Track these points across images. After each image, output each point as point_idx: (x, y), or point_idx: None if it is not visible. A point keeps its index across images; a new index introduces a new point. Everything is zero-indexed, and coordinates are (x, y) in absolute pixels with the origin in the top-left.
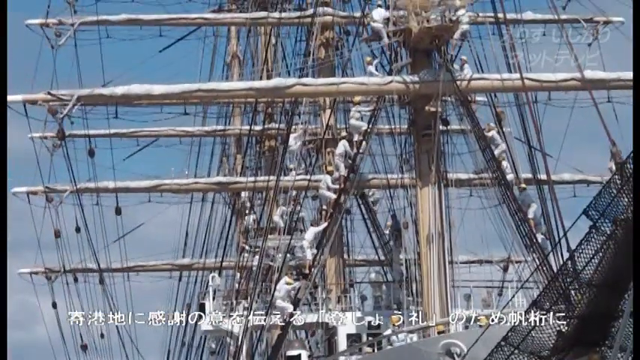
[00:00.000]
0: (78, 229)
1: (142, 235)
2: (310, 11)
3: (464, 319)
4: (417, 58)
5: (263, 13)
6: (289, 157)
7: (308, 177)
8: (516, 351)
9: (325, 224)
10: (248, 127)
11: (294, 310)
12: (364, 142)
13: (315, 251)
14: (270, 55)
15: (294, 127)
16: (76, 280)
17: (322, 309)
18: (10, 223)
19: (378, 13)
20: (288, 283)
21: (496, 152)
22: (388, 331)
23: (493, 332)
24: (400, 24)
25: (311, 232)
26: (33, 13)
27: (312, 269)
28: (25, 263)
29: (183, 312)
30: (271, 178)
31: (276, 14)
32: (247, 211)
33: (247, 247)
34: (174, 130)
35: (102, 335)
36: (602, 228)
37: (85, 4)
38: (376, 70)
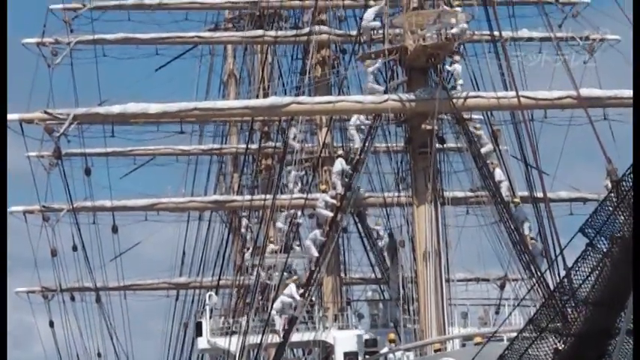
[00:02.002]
0: (75, 248)
1: (139, 253)
2: (306, 30)
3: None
4: (413, 76)
5: (259, 32)
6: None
7: (304, 195)
8: None
9: (323, 239)
10: (245, 146)
11: (290, 330)
12: (361, 161)
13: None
14: (266, 74)
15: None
16: (72, 298)
17: (319, 327)
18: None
19: (372, 11)
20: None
21: (483, 151)
22: (385, 349)
23: (490, 350)
24: (396, 42)
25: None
26: (29, 32)
27: (309, 287)
28: (22, 282)
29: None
30: (268, 196)
31: (272, 33)
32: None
33: (247, 257)
34: (171, 148)
35: (99, 354)
36: (599, 246)
37: (81, 23)
38: (375, 79)
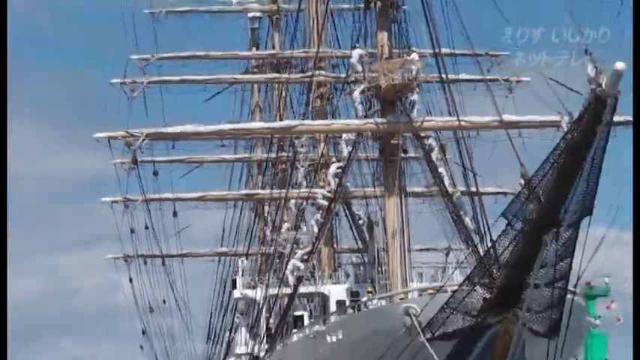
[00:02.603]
0: (147, 227)
1: (192, 231)
2: (309, 73)
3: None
4: (385, 106)
5: (276, 75)
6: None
7: (309, 190)
8: (455, 311)
9: (321, 221)
10: (266, 155)
11: (298, 284)
12: (348, 165)
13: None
14: (281, 104)
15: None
16: (145, 262)
17: (318, 283)
18: (99, 223)
19: (356, 53)
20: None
21: (433, 155)
22: (365, 298)
23: (438, 299)
24: (373, 82)
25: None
26: (115, 74)
27: (312, 254)
28: (110, 251)
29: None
30: (282, 190)
31: (285, 75)
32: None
33: (267, 233)
34: (215, 157)
35: (164, 301)
36: (515, 225)
37: (151, 68)
38: (360, 102)
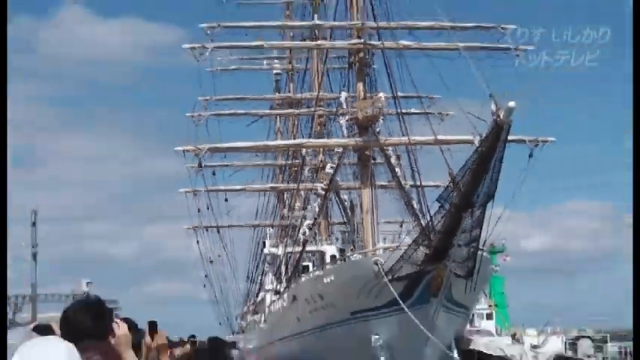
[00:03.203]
0: (208, 208)
1: (238, 210)
2: (313, 109)
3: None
4: (361, 130)
5: (291, 110)
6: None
7: (312, 184)
8: (406, 262)
9: (321, 203)
10: (284, 162)
11: (305, 245)
12: (338, 167)
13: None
14: (294, 129)
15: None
16: (207, 230)
17: (318, 243)
18: (177, 205)
19: (343, 95)
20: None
21: (392, 161)
22: (348, 254)
23: (396, 253)
24: (354, 114)
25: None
26: (187, 109)
27: (314, 225)
28: (185, 224)
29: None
30: (295, 184)
31: (297, 111)
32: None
33: (285, 212)
34: (252, 163)
35: (219, 256)
36: (445, 207)
37: (209, 106)
38: (345, 127)
